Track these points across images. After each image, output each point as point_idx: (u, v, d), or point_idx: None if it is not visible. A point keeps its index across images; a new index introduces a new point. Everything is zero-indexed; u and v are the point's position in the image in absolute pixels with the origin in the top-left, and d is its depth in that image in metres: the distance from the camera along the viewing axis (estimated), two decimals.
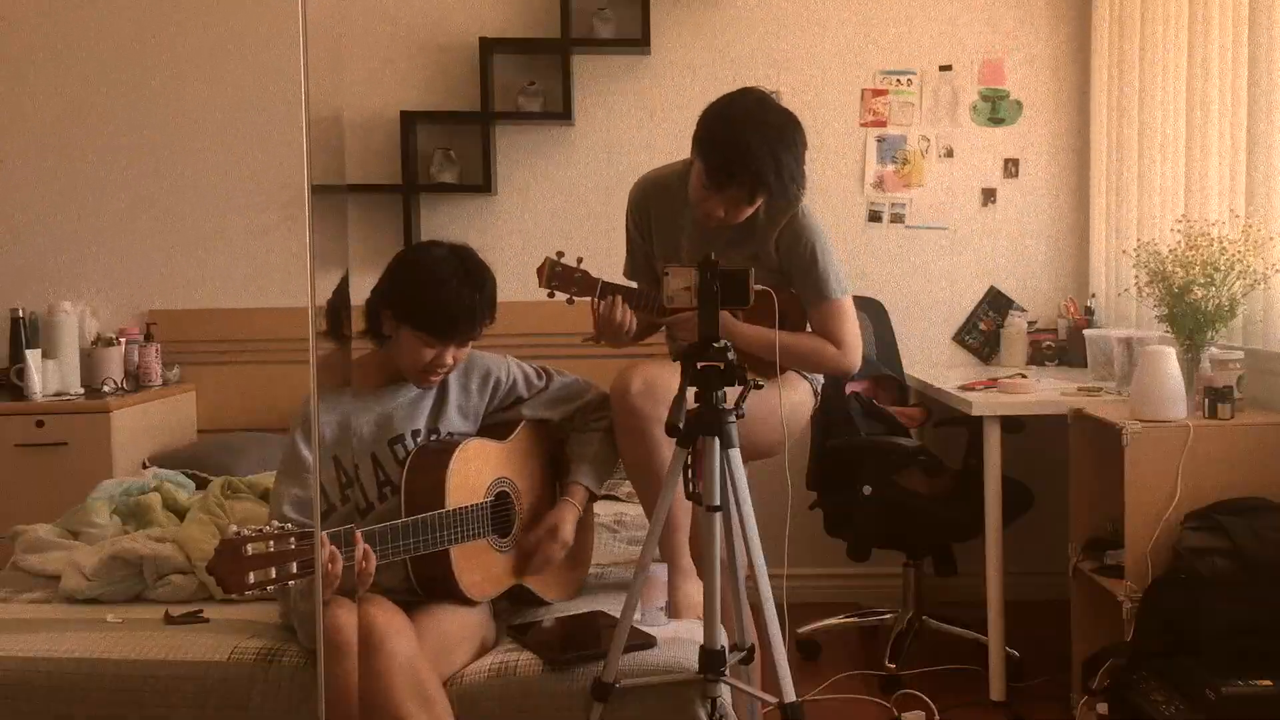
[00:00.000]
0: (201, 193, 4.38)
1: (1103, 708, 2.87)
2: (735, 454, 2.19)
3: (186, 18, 4.36)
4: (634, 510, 3.29)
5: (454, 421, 2.49)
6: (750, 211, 2.68)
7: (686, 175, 2.74)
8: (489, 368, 2.56)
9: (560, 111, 4.26)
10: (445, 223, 4.35)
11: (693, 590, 2.52)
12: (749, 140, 2.55)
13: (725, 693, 2.20)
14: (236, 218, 4.37)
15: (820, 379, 2.96)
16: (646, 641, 2.28)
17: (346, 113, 4.27)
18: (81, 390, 3.99)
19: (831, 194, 4.38)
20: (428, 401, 2.47)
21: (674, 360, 2.71)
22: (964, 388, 3.60)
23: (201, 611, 2.53)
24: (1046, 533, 3.78)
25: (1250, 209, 3.16)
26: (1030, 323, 4.35)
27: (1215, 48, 3.41)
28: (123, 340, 4.14)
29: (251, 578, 1.89)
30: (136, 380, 4.14)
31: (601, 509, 3.14)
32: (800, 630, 3.84)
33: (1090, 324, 4.14)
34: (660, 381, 2.48)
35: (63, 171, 4.39)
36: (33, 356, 3.91)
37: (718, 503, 2.18)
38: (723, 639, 2.20)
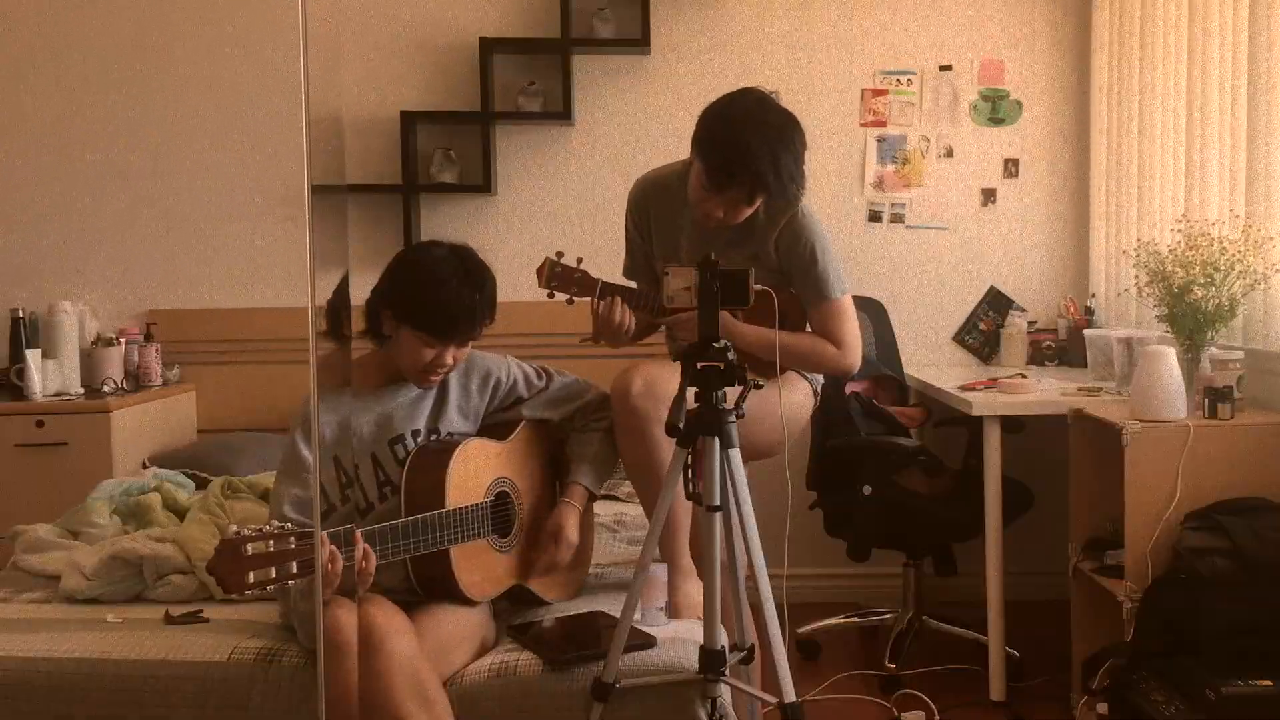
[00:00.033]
0: (201, 193, 4.38)
1: (1103, 708, 2.87)
2: (735, 454, 2.19)
3: (186, 18, 4.36)
4: (634, 510, 3.29)
5: (454, 421, 2.49)
6: (750, 212, 2.68)
7: (686, 175, 2.74)
8: (489, 368, 2.56)
9: (560, 111, 4.26)
10: (445, 223, 4.35)
11: (693, 590, 2.53)
12: (749, 141, 2.55)
13: (725, 693, 2.20)
14: (236, 218, 4.37)
15: (820, 379, 2.96)
16: (646, 641, 2.28)
17: (346, 113, 4.28)
18: (81, 390, 3.99)
19: (831, 194, 4.38)
20: (428, 401, 2.47)
21: (674, 360, 2.71)
22: (964, 388, 3.60)
23: (201, 611, 2.53)
24: (1046, 533, 3.78)
25: (1250, 209, 3.16)
26: (1030, 323, 4.35)
27: (1215, 48, 3.41)
28: (123, 340, 4.14)
29: (251, 578, 1.89)
30: (136, 380, 4.14)
31: (601, 509, 3.14)
32: (800, 630, 3.84)
33: (1090, 324, 4.14)
34: (660, 381, 2.48)
35: (63, 171, 4.39)
36: (33, 356, 3.91)
37: (718, 503, 2.18)
38: (723, 639, 2.20)
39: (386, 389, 2.44)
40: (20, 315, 4.07)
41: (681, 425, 2.17)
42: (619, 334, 2.65)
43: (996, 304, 4.43)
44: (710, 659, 2.17)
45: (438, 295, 2.32)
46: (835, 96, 4.40)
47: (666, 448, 2.40)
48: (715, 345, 2.17)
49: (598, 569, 2.78)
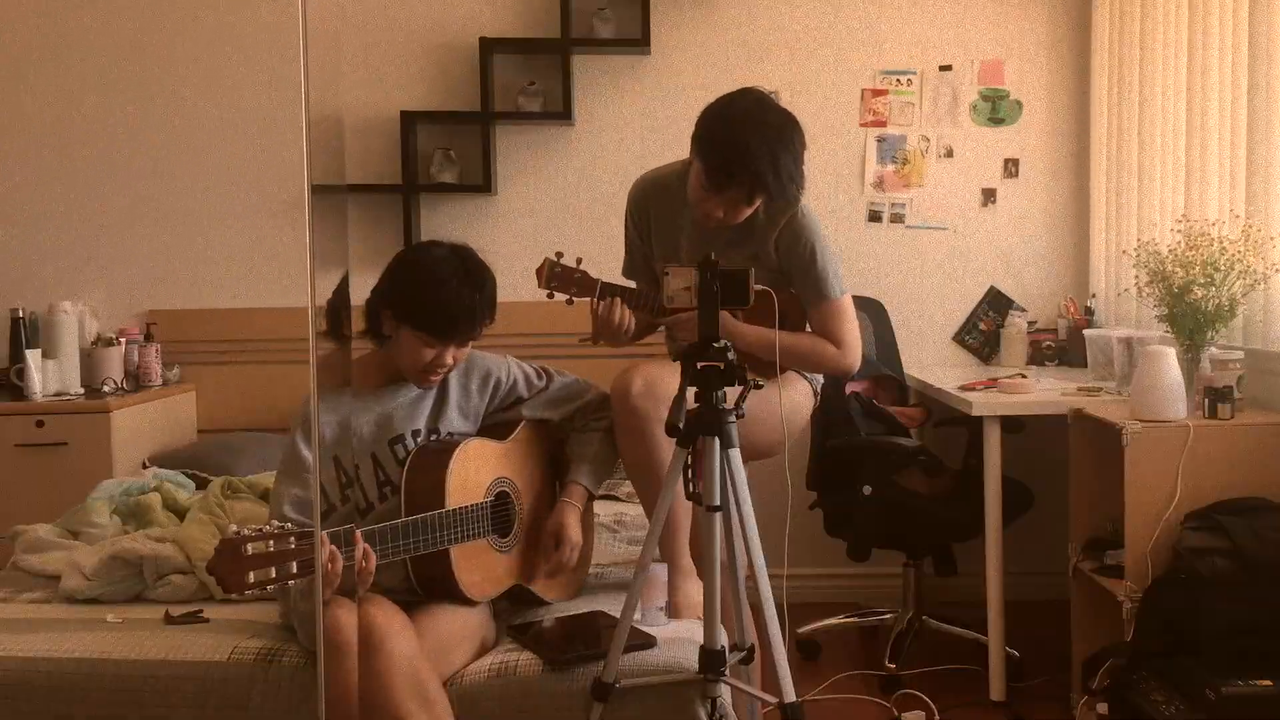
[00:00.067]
0: (201, 193, 4.38)
1: (1103, 708, 2.87)
2: (735, 454, 2.19)
3: (186, 18, 4.36)
4: (634, 510, 3.29)
5: (454, 421, 2.49)
6: (749, 212, 2.68)
7: (685, 175, 2.74)
8: (489, 368, 2.56)
9: (560, 111, 4.26)
10: (445, 223, 4.35)
11: (693, 590, 2.53)
12: (748, 141, 2.55)
13: (725, 693, 2.20)
14: (236, 218, 4.37)
15: (820, 379, 2.96)
16: (646, 641, 2.28)
17: (346, 113, 4.28)
18: (81, 390, 3.99)
19: (831, 194, 4.38)
20: (428, 401, 2.47)
21: (673, 360, 2.71)
22: (964, 388, 3.60)
23: (201, 611, 2.53)
24: (1046, 533, 3.78)
25: (1250, 209, 3.16)
26: (1030, 323, 4.35)
27: (1215, 48, 3.41)
28: (123, 340, 4.14)
29: (251, 577, 1.89)
30: (136, 380, 4.14)
31: (601, 509, 3.14)
32: (800, 630, 3.84)
33: (1090, 324, 4.14)
34: (660, 381, 2.48)
35: (63, 171, 4.39)
36: (33, 356, 3.91)
37: (718, 503, 2.18)
38: (723, 639, 2.20)
39: (386, 389, 2.44)
40: (20, 315, 4.06)
41: (681, 425, 2.17)
42: (619, 334, 2.64)
43: (996, 304, 4.43)
44: (710, 659, 2.17)
45: (438, 295, 2.32)
46: (835, 96, 4.40)
47: (666, 448, 2.40)
48: (715, 345, 2.17)
49: (598, 569, 2.78)
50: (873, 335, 3.97)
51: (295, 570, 1.93)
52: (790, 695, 2.16)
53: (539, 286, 2.64)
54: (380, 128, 4.31)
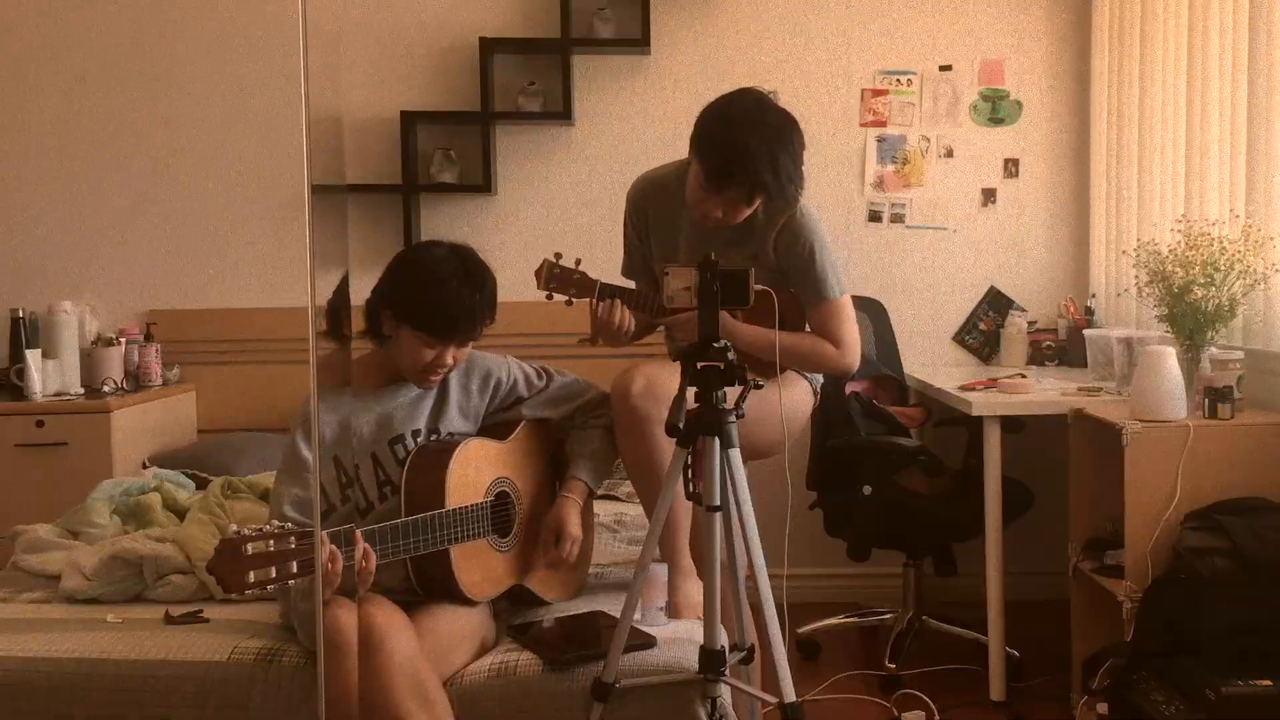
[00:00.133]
0: (201, 193, 4.38)
1: (1103, 708, 2.87)
2: (735, 454, 2.19)
3: (186, 18, 4.36)
4: (634, 510, 3.29)
5: (454, 421, 2.49)
6: (748, 212, 2.68)
7: (685, 175, 2.74)
8: (489, 368, 2.56)
9: (560, 111, 4.26)
10: (445, 223, 4.35)
11: (693, 590, 2.53)
12: (747, 141, 2.55)
13: (725, 693, 2.20)
14: (236, 218, 4.37)
15: (820, 379, 2.96)
16: (646, 641, 2.28)
17: (346, 113, 4.27)
18: (81, 390, 3.99)
19: (831, 194, 4.38)
20: (428, 401, 2.47)
21: (673, 360, 2.71)
22: (964, 388, 3.60)
23: (201, 611, 2.53)
24: (1046, 533, 3.78)
25: (1250, 209, 3.16)
26: (1030, 323, 4.35)
27: (1215, 48, 3.41)
28: (123, 340, 4.14)
29: (251, 577, 1.89)
30: (136, 380, 4.14)
31: (601, 509, 3.14)
32: (800, 630, 3.84)
33: (1090, 324, 4.14)
34: (660, 381, 2.48)
35: (63, 171, 4.39)
36: (33, 356, 3.91)
37: (718, 503, 2.18)
38: (723, 639, 2.20)
39: (386, 389, 2.44)
40: (20, 315, 4.07)
41: (681, 425, 2.17)
42: (618, 335, 2.64)
43: (996, 304, 4.43)
44: (710, 659, 2.17)
45: (438, 295, 2.32)
46: (835, 96, 4.40)
47: (666, 448, 2.40)
48: (715, 345, 2.17)
49: (598, 569, 2.78)
50: (873, 335, 3.98)
51: (295, 570, 1.93)
52: (790, 695, 2.16)
53: (538, 288, 2.64)
54: (380, 128, 4.31)
